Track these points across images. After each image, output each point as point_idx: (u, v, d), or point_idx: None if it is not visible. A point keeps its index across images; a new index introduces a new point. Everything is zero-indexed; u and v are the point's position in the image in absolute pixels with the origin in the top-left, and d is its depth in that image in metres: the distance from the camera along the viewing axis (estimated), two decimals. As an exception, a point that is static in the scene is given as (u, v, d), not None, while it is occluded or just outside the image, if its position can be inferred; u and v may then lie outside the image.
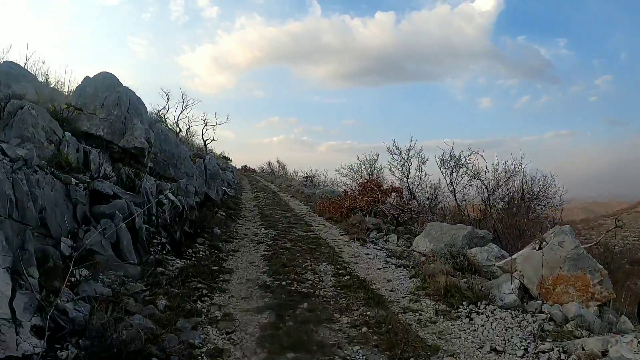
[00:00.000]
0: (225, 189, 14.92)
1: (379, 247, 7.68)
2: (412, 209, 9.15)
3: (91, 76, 7.11)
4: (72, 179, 4.99)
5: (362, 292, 4.58)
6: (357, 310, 4.11)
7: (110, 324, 2.94)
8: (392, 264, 6.41)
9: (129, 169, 6.83)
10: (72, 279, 3.85)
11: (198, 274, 4.80)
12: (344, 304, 4.24)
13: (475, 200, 13.74)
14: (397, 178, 14.36)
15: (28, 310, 2.75)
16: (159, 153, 7.62)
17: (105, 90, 6.89)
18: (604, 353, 3.37)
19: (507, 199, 9.92)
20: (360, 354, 3.16)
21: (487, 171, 10.00)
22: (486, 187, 8.90)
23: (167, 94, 16.30)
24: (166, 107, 15.85)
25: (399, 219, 9.43)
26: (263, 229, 8.43)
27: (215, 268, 5.17)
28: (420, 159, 14.30)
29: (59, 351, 2.74)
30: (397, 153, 14.48)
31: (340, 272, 5.45)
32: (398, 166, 14.45)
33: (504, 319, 4.42)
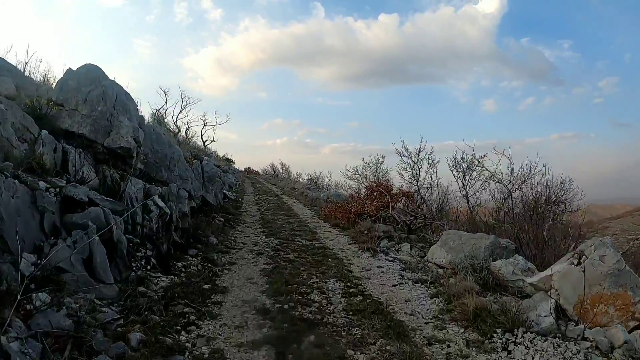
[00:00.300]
0: (225, 192, 14.23)
1: (391, 258, 6.95)
2: (426, 215, 8.39)
3: (74, 69, 6.45)
4: (42, 184, 4.32)
5: (378, 319, 3.85)
6: (374, 343, 3.37)
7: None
8: (408, 278, 5.68)
9: (115, 171, 6.15)
10: (29, 307, 3.16)
11: (186, 295, 4.09)
12: (359, 335, 3.51)
13: (489, 205, 13.00)
14: (406, 181, 13.64)
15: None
16: (150, 154, 6.93)
17: (89, 84, 6.23)
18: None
19: (527, 204, 9.14)
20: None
21: (501, 174, 9.22)
22: (509, 191, 8.10)
23: (165, 93, 15.64)
24: (165, 106, 15.16)
25: (411, 226, 8.68)
26: (264, 237, 7.71)
27: (207, 286, 4.45)
28: (430, 161, 13.60)
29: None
30: (407, 155, 13.77)
31: (351, 290, 4.71)
32: (407, 169, 13.73)
33: (546, 350, 3.73)
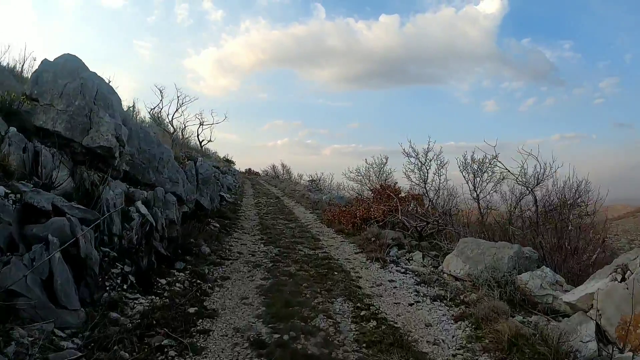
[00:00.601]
0: (223, 194, 13.57)
1: (403, 270, 6.27)
2: (438, 220, 7.71)
3: (51, 59, 5.80)
4: (1, 189, 3.67)
5: (398, 353, 3.16)
6: (396, 390, 2.70)
7: None
8: (425, 295, 5.01)
9: (95, 173, 5.49)
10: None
11: (167, 322, 3.41)
12: (377, 378, 2.83)
13: (500, 208, 12.27)
14: (413, 183, 12.95)
15: None
16: (137, 154, 6.27)
17: (66, 76, 5.57)
18: None
19: (550, 207, 8.45)
20: None
21: (524, 175, 8.53)
22: (533, 194, 7.40)
23: (161, 91, 14.94)
24: (160, 105, 14.46)
25: (422, 232, 8.00)
26: (262, 245, 7.03)
27: (193, 310, 3.78)
28: (439, 162, 12.90)
29: None
30: (414, 156, 13.08)
31: (362, 313, 4.03)
32: (415, 170, 13.04)
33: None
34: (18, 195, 3.73)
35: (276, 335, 3.34)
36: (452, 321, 4.14)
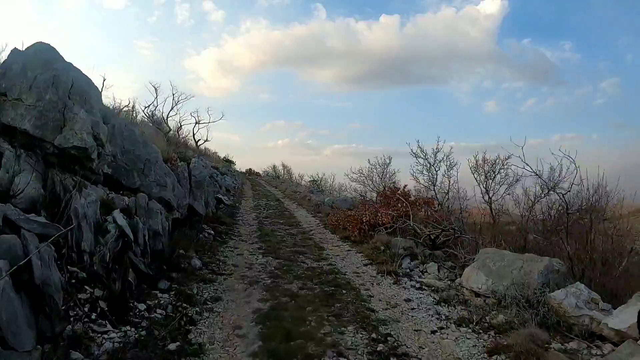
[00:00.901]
0: (221, 196, 12.91)
1: (417, 284, 5.61)
2: (455, 227, 7.02)
3: (22, 49, 5.14)
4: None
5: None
6: None
7: None
8: (447, 317, 4.35)
9: (70, 177, 4.82)
10: None
11: (140, 364, 2.75)
12: None
13: (513, 212, 11.56)
14: (421, 185, 12.27)
15: None
16: (120, 155, 5.60)
17: (37, 67, 4.91)
18: None
19: (579, 211, 7.77)
20: None
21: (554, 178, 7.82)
22: (564, 200, 6.70)
23: (156, 89, 14.24)
24: (155, 103, 13.76)
25: (436, 240, 7.32)
26: (261, 255, 6.35)
27: (174, 346, 3.10)
28: (448, 162, 12.21)
29: None
30: (422, 156, 12.39)
31: (379, 348, 3.35)
32: (424, 171, 12.35)
33: None
34: (-38, 207, 3.08)
35: (275, 384, 2.67)
36: (486, 355, 3.46)
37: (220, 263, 5.67)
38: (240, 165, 34.07)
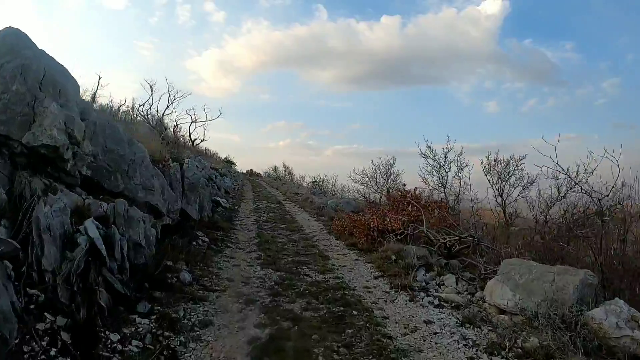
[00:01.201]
0: (219, 199, 12.29)
1: (436, 300, 4.99)
2: (473, 235, 6.37)
3: (-11, 35, 4.53)
4: None
5: None
6: None
7: None
8: (475, 343, 3.74)
9: (41, 180, 4.20)
10: None
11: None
12: None
13: (526, 216, 10.89)
14: (431, 187, 11.65)
15: None
16: (102, 155, 4.97)
17: (4, 54, 4.30)
18: None
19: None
20: None
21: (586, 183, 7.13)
22: (598, 201, 6.01)
23: (151, 87, 13.63)
24: (150, 100, 13.14)
25: (452, 249, 6.68)
26: (259, 267, 5.71)
27: (148, 392, 2.48)
28: (458, 163, 11.59)
29: None
30: (432, 157, 11.78)
31: (402, 391, 2.72)
32: (433, 172, 11.74)
33: None
34: None
35: None
36: (533, 399, 2.83)
37: (214, 277, 5.03)
38: (241, 166, 33.59)
